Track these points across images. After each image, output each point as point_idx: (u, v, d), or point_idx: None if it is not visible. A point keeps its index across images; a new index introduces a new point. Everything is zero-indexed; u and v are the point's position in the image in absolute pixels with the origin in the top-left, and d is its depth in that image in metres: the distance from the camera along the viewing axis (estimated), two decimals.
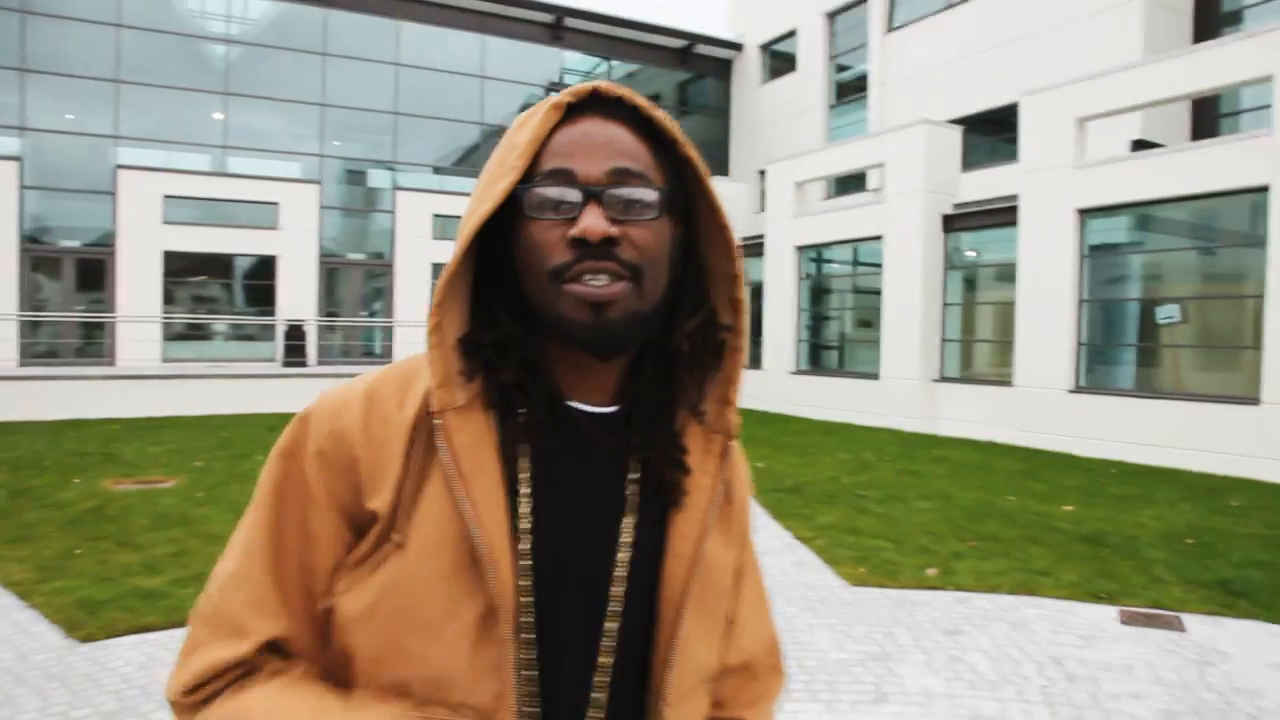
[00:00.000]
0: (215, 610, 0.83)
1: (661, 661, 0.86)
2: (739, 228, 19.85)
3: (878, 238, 15.36)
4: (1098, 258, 12.44)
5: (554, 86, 24.42)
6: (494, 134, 23.90)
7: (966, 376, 14.69)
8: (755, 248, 18.74)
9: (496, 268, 0.87)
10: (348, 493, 0.82)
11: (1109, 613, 5.17)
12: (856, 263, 17.30)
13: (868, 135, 17.29)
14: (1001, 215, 13.57)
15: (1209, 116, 15.72)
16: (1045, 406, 12.43)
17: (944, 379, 14.59)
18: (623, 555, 0.85)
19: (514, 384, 0.83)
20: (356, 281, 22.43)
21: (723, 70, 26.72)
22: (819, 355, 18.04)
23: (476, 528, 0.78)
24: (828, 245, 17.24)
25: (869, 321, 16.56)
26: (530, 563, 0.80)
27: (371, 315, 22.73)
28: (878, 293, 15.53)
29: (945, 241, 14.68)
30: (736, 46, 26.18)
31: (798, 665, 4.35)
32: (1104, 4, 16.03)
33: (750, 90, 25.79)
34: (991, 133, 18.37)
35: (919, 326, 14.49)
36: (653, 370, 0.89)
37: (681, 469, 0.88)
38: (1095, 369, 12.40)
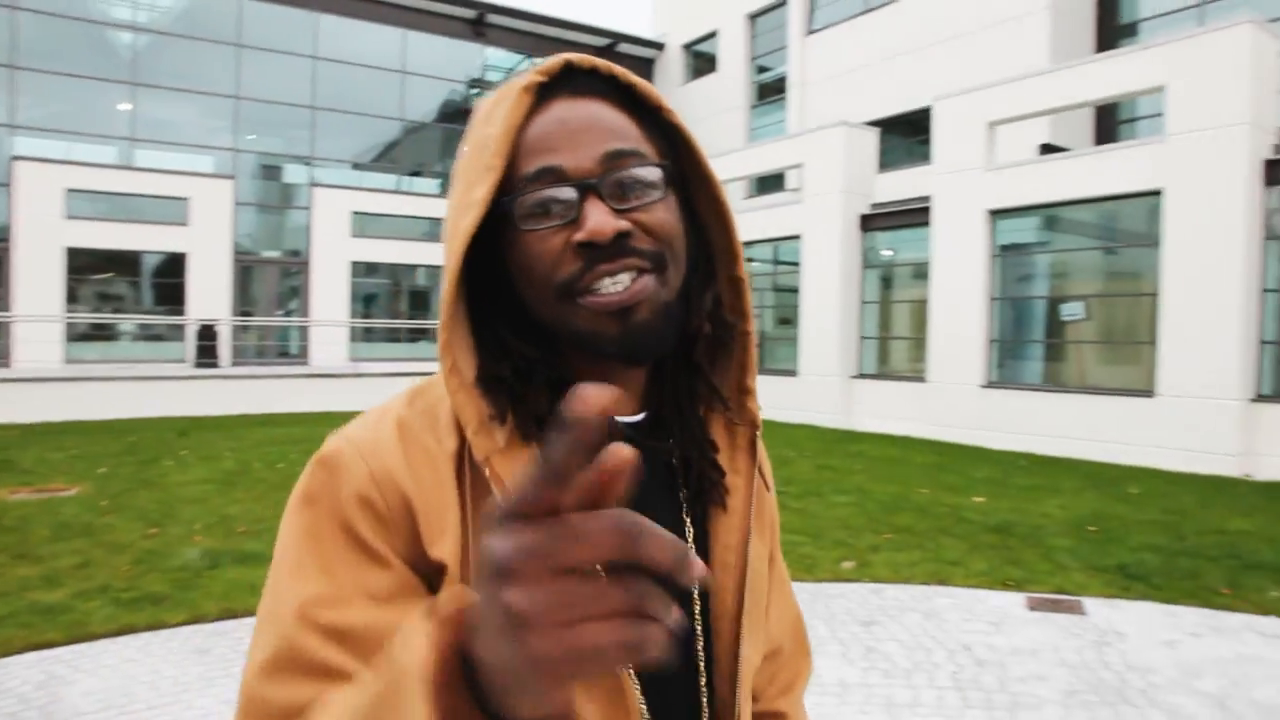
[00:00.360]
0: (260, 706, 0.66)
1: (724, 675, 0.80)
2: None
3: (796, 237, 15.61)
4: (1007, 257, 12.86)
5: (476, 84, 24.20)
6: (415, 130, 23.62)
7: (883, 373, 15.03)
8: None
9: (489, 281, 0.76)
10: (404, 543, 0.69)
11: (1016, 599, 5.36)
12: (776, 261, 17.54)
13: (787, 136, 17.56)
14: (916, 215, 13.93)
15: (1111, 122, 16.37)
16: (958, 401, 12.80)
17: (861, 375, 14.91)
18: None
19: (549, 413, 0.73)
20: (272, 280, 21.90)
21: (645, 70, 26.82)
22: None
23: None
24: (748, 244, 17.44)
25: (788, 319, 16.81)
26: None
27: (287, 315, 22.21)
28: (796, 291, 15.78)
29: (862, 241, 15.00)
30: (659, 46, 26.33)
31: None
32: (1013, 13, 16.56)
33: (672, 90, 25.94)
34: (907, 135, 18.83)
35: (837, 324, 14.77)
36: (674, 365, 0.81)
37: (718, 469, 0.82)
38: (1005, 365, 12.83)
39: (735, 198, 19.62)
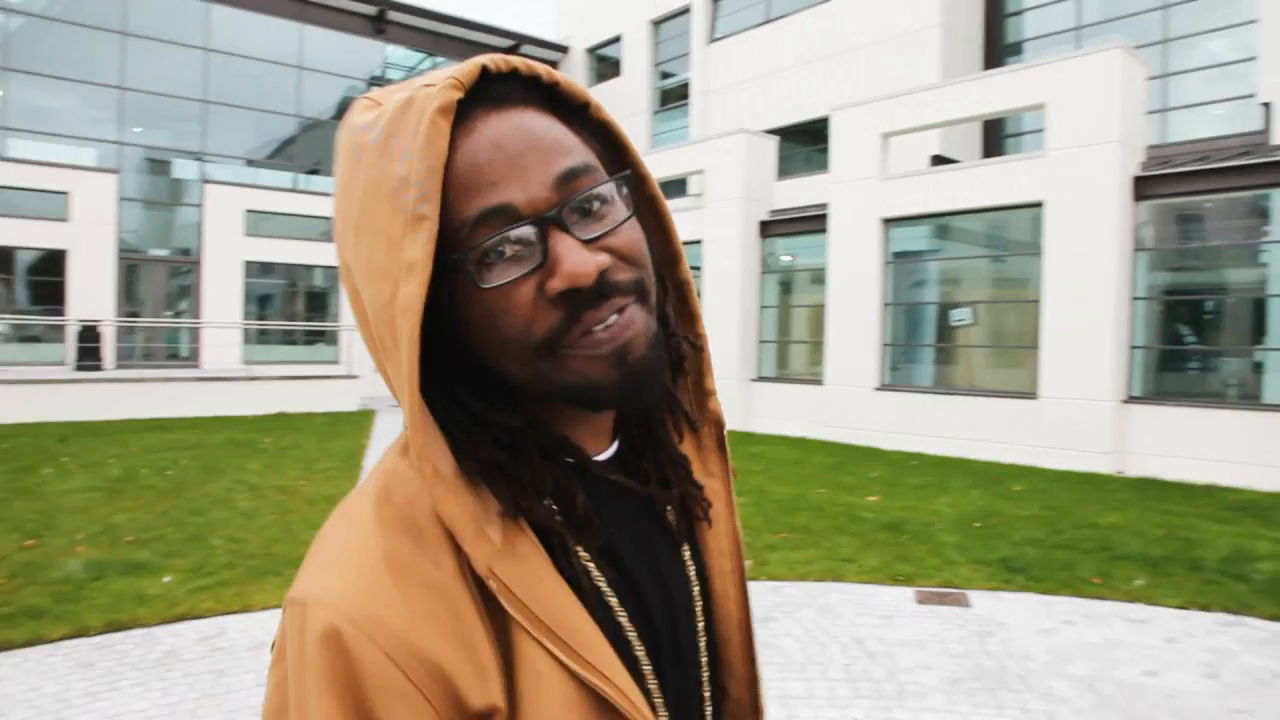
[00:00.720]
0: None
1: (740, 679, 0.79)
2: None
3: (698, 242, 15.84)
4: (900, 264, 13.33)
5: (376, 81, 23.75)
6: (311, 127, 23.01)
7: (782, 376, 15.38)
8: None
9: (435, 344, 0.64)
10: (450, 708, 0.57)
11: (905, 593, 5.59)
12: None
13: (690, 142, 17.79)
14: (814, 222, 14.31)
15: (997, 136, 17.13)
16: (853, 404, 13.20)
17: (760, 379, 15.23)
18: (695, 591, 0.75)
19: (551, 484, 0.65)
20: (160, 279, 21.03)
21: None
22: None
23: (595, 678, 0.60)
24: None
25: None
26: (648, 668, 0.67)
27: (176, 315, 21.38)
28: (697, 295, 15.97)
29: (761, 246, 15.33)
30: (562, 49, 26.34)
31: None
32: (906, 29, 17.17)
33: None
34: (805, 143, 19.30)
35: (737, 328, 15.05)
36: None
37: (696, 484, 0.77)
38: (898, 368, 13.29)
39: None
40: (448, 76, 0.59)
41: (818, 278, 14.60)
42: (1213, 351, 11.43)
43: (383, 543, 0.60)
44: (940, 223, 12.98)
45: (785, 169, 17.61)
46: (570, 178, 0.61)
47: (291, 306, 22.58)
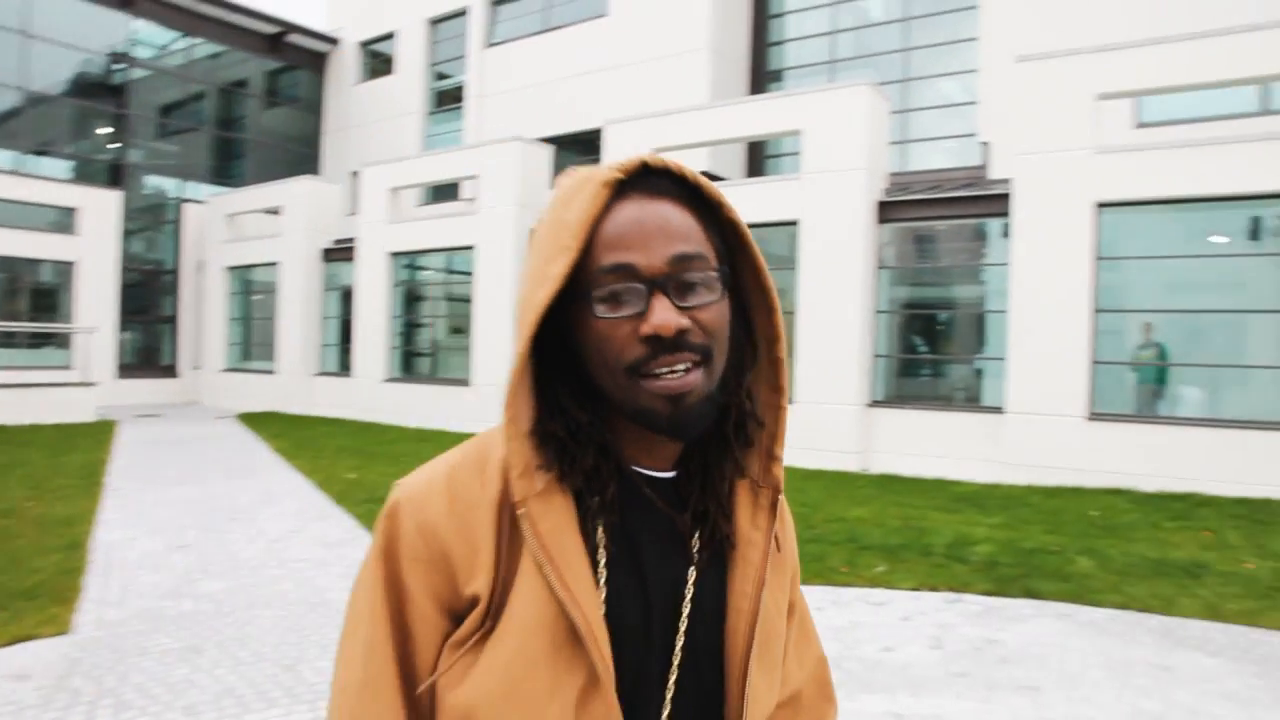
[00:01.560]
0: None
1: (734, 711, 0.89)
2: (329, 230, 19.21)
3: (470, 247, 15.68)
4: None
5: (119, 58, 21.71)
6: (41, 103, 20.65)
7: None
8: (347, 251, 18.21)
9: (555, 346, 0.87)
10: (445, 586, 0.84)
11: None
12: (450, 271, 17.49)
13: (464, 146, 17.62)
14: None
15: (760, 156, 18.14)
16: None
17: None
18: (685, 609, 0.88)
19: (593, 468, 0.84)
20: None
21: (317, 64, 25.58)
22: (412, 362, 17.96)
23: (575, 610, 0.79)
24: (421, 253, 17.24)
25: (461, 329, 16.82)
26: (616, 630, 0.83)
27: None
28: (470, 300, 15.83)
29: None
30: (332, 41, 25.23)
31: None
32: (677, 50, 17.83)
33: (346, 88, 24.99)
34: (580, 154, 19.57)
35: (509, 334, 15.01)
36: (706, 434, 0.89)
37: (729, 523, 0.91)
38: None
39: (408, 205, 19.31)
40: (617, 164, 0.84)
41: None
42: (942, 360, 12.67)
43: (455, 463, 0.88)
44: None
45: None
46: (682, 259, 0.82)
47: (13, 304, 20.06)
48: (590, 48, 19.38)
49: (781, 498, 0.96)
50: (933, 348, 12.83)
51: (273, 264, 19.52)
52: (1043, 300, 10.00)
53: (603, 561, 0.84)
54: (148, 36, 22.62)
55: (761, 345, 0.93)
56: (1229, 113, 12.01)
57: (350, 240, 18.39)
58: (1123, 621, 5.22)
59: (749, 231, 0.88)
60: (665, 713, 0.86)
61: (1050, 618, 5.30)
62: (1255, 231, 10.02)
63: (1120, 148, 9.99)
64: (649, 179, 0.84)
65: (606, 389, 0.84)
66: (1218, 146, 9.37)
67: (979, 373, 12.06)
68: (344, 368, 18.58)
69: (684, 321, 0.80)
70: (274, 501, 8.79)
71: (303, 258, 18.81)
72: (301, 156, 24.87)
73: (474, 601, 0.82)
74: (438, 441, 13.66)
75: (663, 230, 0.82)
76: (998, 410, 10.52)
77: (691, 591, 0.88)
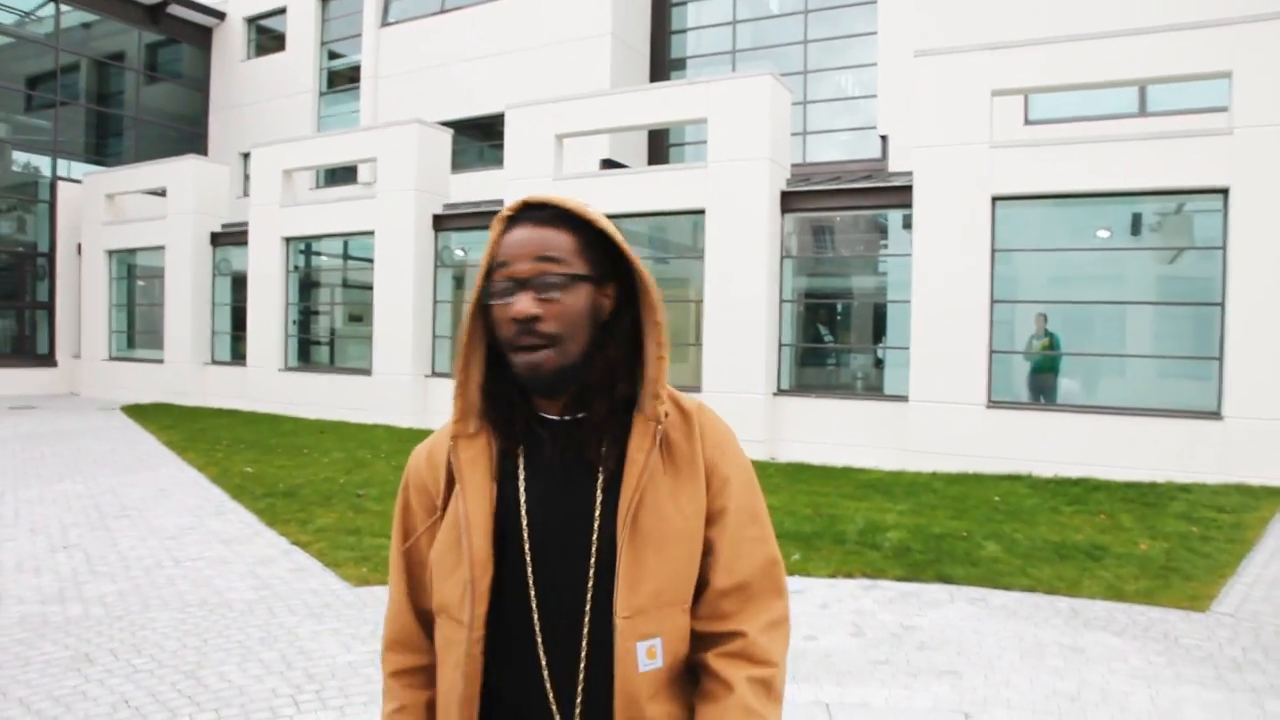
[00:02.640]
0: (390, 618, 1.33)
1: (617, 583, 1.14)
2: (218, 213, 18.33)
3: (370, 232, 15.20)
4: None
5: None
6: None
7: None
8: (238, 236, 17.41)
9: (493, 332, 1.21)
10: (428, 501, 1.28)
11: None
12: (347, 257, 16.93)
13: (361, 128, 17.07)
14: (489, 218, 14.16)
15: (663, 144, 18.13)
16: None
17: (435, 374, 14.90)
18: (598, 512, 1.17)
19: (507, 416, 1.21)
20: None
21: (202, 38, 24.30)
22: (309, 351, 17.33)
23: (464, 515, 1.18)
24: (318, 238, 16.62)
25: (360, 316, 16.30)
26: (529, 530, 1.17)
27: None
28: (370, 287, 15.35)
29: (436, 240, 15.01)
30: (218, 15, 24.02)
31: (306, 675, 4.13)
32: (579, 35, 17.63)
33: (233, 65, 23.86)
34: (480, 138, 19.21)
35: (411, 323, 14.62)
36: (596, 383, 1.18)
37: (617, 448, 1.19)
38: None
39: (302, 189, 18.60)
40: (509, 205, 1.19)
41: None
42: (844, 349, 12.91)
43: (436, 435, 1.30)
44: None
45: (460, 163, 17.41)
46: (541, 261, 1.13)
47: None
48: (489, 30, 18.98)
49: (712, 420, 1.27)
50: (835, 337, 13.06)
51: (158, 248, 18.49)
52: (944, 291, 10.26)
53: (522, 491, 1.19)
54: (12, 0, 21.11)
55: (646, 313, 1.20)
56: (1110, 113, 12.58)
57: (242, 224, 17.58)
58: (1032, 604, 5.39)
59: (617, 233, 1.18)
60: (588, 585, 1.16)
61: (964, 602, 5.42)
62: (1136, 227, 10.53)
63: (1014, 143, 10.33)
64: (536, 210, 1.17)
65: (507, 359, 1.17)
66: (1102, 144, 9.78)
67: (880, 362, 12.34)
68: (238, 357, 17.77)
69: (534, 309, 1.11)
70: (166, 497, 8.33)
71: (191, 241, 17.87)
72: (187, 135, 23.65)
73: (438, 509, 1.26)
74: (339, 433, 13.23)
75: (531, 245, 1.14)
76: (902, 399, 10.76)
77: (600, 497, 1.16)
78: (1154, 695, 4.04)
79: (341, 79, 22.19)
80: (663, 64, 18.52)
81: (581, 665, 1.15)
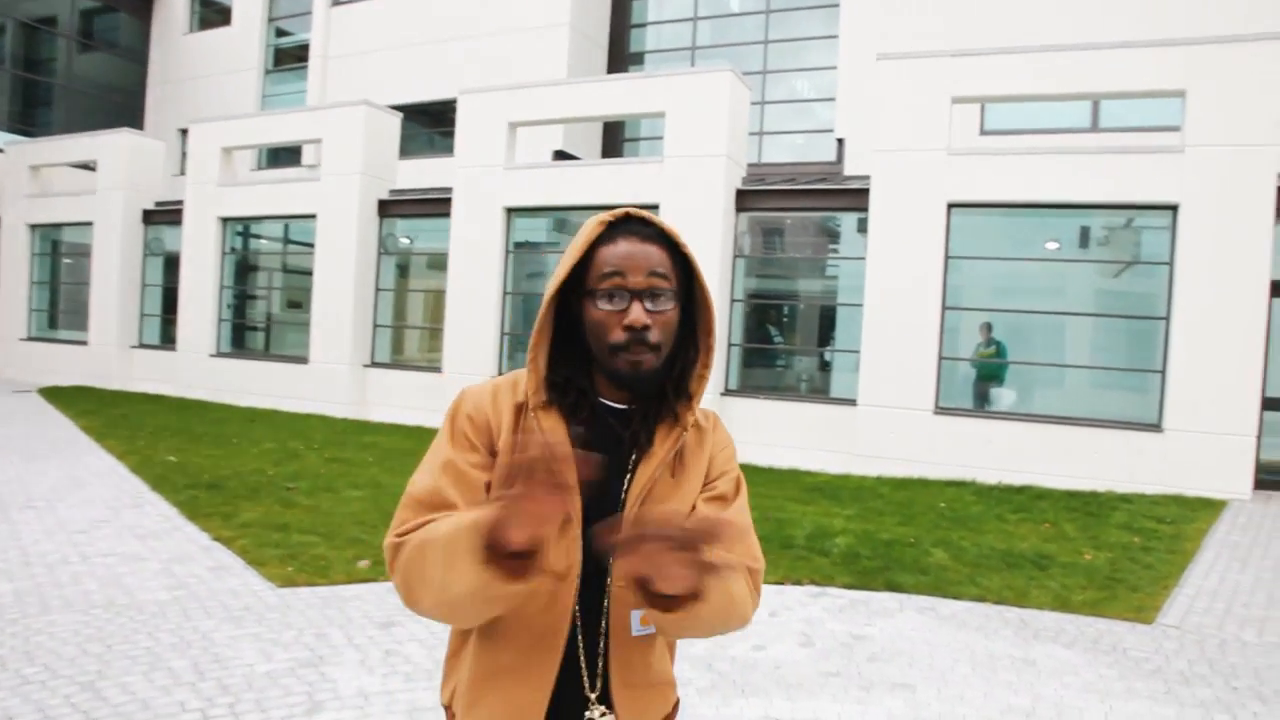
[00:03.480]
0: (417, 501, 1.27)
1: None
2: (152, 190, 17.63)
3: (311, 216, 14.72)
4: (520, 253, 13.37)
5: None
6: None
7: (397, 362, 14.77)
8: (173, 215, 16.76)
9: (565, 321, 1.34)
10: (485, 438, 1.32)
11: None
12: (287, 240, 16.41)
13: (306, 108, 16.53)
14: (436, 205, 13.89)
15: (617, 137, 17.91)
16: None
17: (375, 364, 14.50)
18: (625, 490, 1.31)
19: (575, 399, 1.32)
20: None
21: (142, 7, 23.42)
22: (243, 336, 16.74)
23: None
24: (257, 219, 16.07)
25: (298, 303, 15.80)
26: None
27: None
28: (309, 273, 14.87)
29: (380, 226, 14.60)
30: None
31: (220, 686, 3.82)
32: (535, 23, 17.34)
33: (174, 37, 23.04)
34: (429, 124, 18.79)
35: (351, 310, 14.19)
36: (654, 386, 1.33)
37: (650, 440, 1.33)
38: (516, 357, 13.31)
39: (242, 169, 17.98)
40: (611, 212, 1.34)
41: (437, 262, 14.20)
42: (793, 351, 12.83)
43: (499, 382, 1.39)
44: (560, 215, 13.23)
45: (408, 149, 16.99)
46: (653, 277, 1.27)
47: None
48: (444, 15, 18.59)
49: (723, 435, 1.45)
50: (784, 338, 12.98)
51: (86, 224, 17.69)
52: (897, 295, 10.22)
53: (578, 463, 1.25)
54: None
55: (700, 335, 1.37)
56: (1062, 126, 12.69)
57: (177, 203, 16.92)
58: (981, 614, 5.30)
59: (696, 259, 1.32)
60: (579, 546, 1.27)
61: (913, 611, 5.31)
62: (1084, 240, 10.60)
63: (971, 150, 10.34)
64: (639, 225, 1.30)
65: (595, 354, 1.30)
66: (1058, 155, 9.83)
67: (826, 365, 12.29)
68: (167, 340, 17.09)
69: (648, 320, 1.25)
70: (79, 487, 7.86)
71: (121, 218, 17.10)
72: (121, 108, 22.76)
73: (495, 451, 1.30)
74: (270, 421, 12.77)
75: (644, 260, 1.26)
76: (850, 402, 10.70)
77: (629, 476, 1.31)
78: (1108, 711, 3.96)
79: (289, 57, 21.56)
80: (621, 57, 18.30)
81: (601, 625, 1.31)
